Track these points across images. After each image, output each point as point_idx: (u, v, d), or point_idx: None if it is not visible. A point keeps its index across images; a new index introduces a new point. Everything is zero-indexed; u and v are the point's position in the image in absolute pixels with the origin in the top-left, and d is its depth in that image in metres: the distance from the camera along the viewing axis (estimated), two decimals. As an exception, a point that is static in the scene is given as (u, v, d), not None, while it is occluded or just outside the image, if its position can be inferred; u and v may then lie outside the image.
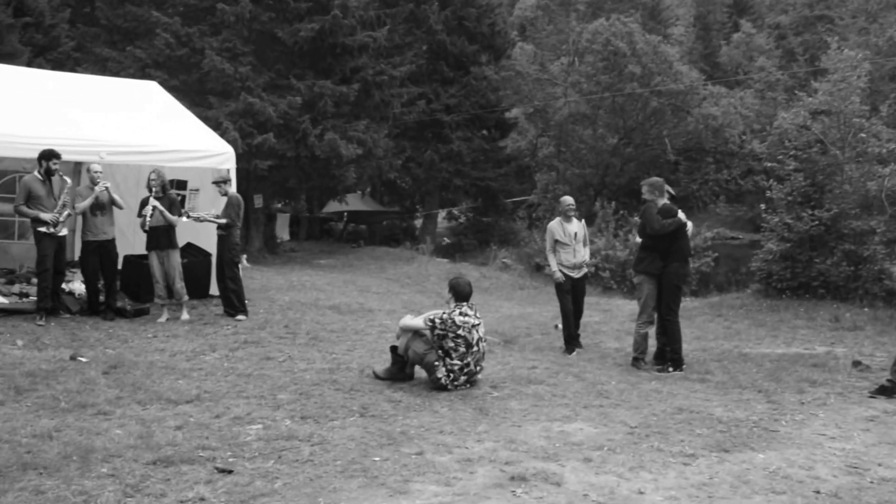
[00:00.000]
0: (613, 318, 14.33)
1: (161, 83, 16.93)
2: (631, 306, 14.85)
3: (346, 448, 5.90)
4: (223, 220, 11.80)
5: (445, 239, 41.10)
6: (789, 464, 5.80)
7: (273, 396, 7.40)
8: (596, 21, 40.44)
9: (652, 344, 9.83)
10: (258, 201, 26.43)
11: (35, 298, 10.74)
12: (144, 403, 6.95)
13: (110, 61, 23.44)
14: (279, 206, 34.10)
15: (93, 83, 14.27)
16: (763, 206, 16.35)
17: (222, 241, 11.90)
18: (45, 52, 23.74)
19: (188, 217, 11.83)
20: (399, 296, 17.47)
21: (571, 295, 10.87)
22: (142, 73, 21.04)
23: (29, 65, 19.07)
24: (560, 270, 10.78)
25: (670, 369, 9.31)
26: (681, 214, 9.40)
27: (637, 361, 9.64)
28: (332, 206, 40.90)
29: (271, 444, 5.95)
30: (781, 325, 12.97)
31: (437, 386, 7.91)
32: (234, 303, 11.85)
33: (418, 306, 14.83)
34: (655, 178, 10.07)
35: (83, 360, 8.47)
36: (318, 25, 23.64)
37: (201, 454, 5.62)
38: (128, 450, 5.61)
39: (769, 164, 16.66)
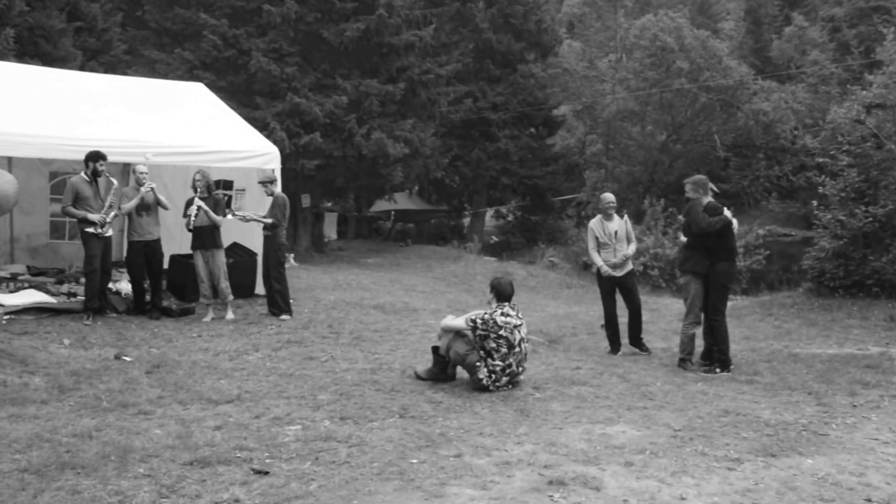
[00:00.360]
0: (661, 318, 14.14)
1: (209, 84, 17.06)
2: (679, 305, 14.62)
3: (383, 450, 5.86)
4: (269, 220, 11.83)
5: (493, 237, 41.03)
6: (839, 470, 5.62)
7: (313, 397, 7.39)
8: (644, 17, 40.07)
9: (699, 344, 9.65)
10: (306, 201, 26.52)
11: (83, 298, 10.86)
12: (185, 403, 6.97)
13: (159, 63, 23.69)
14: (328, 205, 34.24)
15: (140, 85, 14.41)
16: (815, 203, 16.00)
17: (268, 241, 11.93)
18: (97, 55, 24.08)
19: (234, 215, 11.89)
20: (445, 295, 17.43)
21: (621, 294, 10.64)
22: (190, 75, 21.24)
23: (81, 68, 19.31)
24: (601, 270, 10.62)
25: (717, 370, 9.14)
26: (726, 212, 9.21)
27: (683, 362, 9.47)
28: (381, 205, 40.97)
29: (309, 444, 5.93)
30: (834, 324, 12.68)
31: (478, 387, 7.84)
32: (278, 303, 11.88)
33: (464, 305, 14.78)
34: (699, 176, 9.86)
35: (127, 359, 8.54)
36: (364, 25, 23.64)
37: (238, 455, 5.61)
38: (166, 450, 5.62)
39: (822, 160, 16.31)
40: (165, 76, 20.49)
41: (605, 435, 6.41)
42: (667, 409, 7.32)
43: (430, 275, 22.35)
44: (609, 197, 10.78)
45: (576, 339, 11.86)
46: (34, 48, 19.23)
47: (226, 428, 6.27)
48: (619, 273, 10.56)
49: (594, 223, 10.70)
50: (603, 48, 44.71)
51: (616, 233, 10.53)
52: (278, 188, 12.20)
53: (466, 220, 42.53)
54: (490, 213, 43.13)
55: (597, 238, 10.57)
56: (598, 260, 10.58)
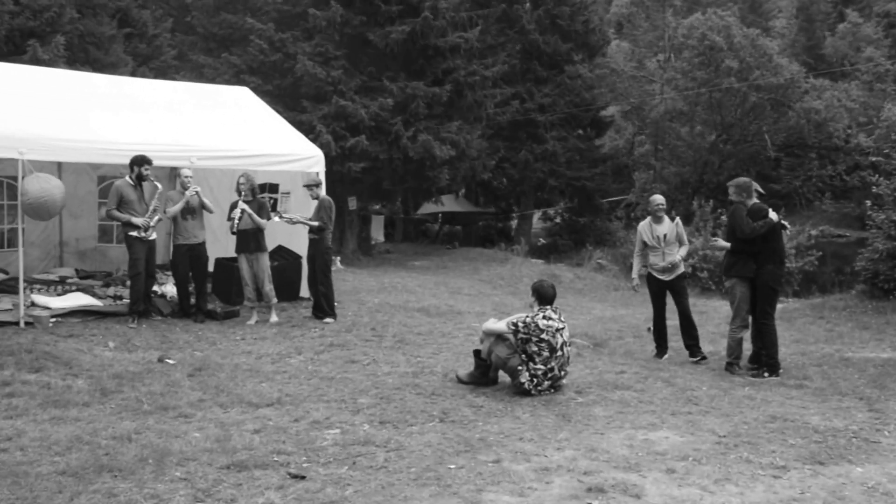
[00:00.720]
0: (709, 321, 13.91)
1: (255, 88, 17.17)
2: (727, 308, 14.38)
3: (421, 455, 5.81)
4: (315, 223, 11.84)
5: (541, 239, 40.84)
6: (890, 479, 5.45)
7: (354, 400, 7.36)
8: (692, 16, 39.65)
9: (747, 348, 9.47)
10: (352, 203, 26.58)
11: (128, 301, 10.96)
12: (226, 406, 6.99)
13: (206, 68, 23.94)
14: (375, 208, 34.34)
15: (186, 89, 14.53)
16: (869, 203, 15.66)
17: (315, 244, 11.94)
18: (148, 61, 24.45)
19: (281, 218, 11.92)
20: (490, 297, 17.34)
21: (672, 299, 10.36)
22: (237, 79, 21.41)
23: (132, 74, 19.60)
24: (650, 272, 10.37)
25: (765, 374, 8.96)
26: (772, 214, 9.01)
27: (731, 366, 9.30)
28: (428, 208, 40.96)
29: (347, 449, 5.90)
30: (888, 327, 12.39)
31: (520, 391, 7.76)
32: (323, 306, 11.89)
33: (509, 308, 14.68)
34: (742, 179, 9.59)
35: (170, 362, 8.59)
36: (409, 28, 23.63)
37: (276, 459, 5.59)
38: (203, 453, 5.62)
39: (876, 159, 15.98)
40: (213, 80, 20.71)
41: (648, 441, 6.30)
42: (712, 415, 7.18)
43: (476, 277, 22.26)
44: (658, 199, 10.49)
45: (621, 342, 11.72)
46: (84, 55, 19.55)
47: (264, 431, 6.26)
48: (668, 277, 10.25)
49: (643, 226, 10.50)
50: (651, 48, 44.33)
51: (665, 236, 10.23)
52: (323, 191, 12.21)
53: (513, 223, 42.40)
54: (537, 214, 42.95)
55: (644, 242, 10.39)
56: (635, 268, 10.70)
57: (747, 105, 37.34)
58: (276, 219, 11.84)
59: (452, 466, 5.56)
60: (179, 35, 27.15)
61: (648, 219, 10.54)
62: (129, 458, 5.43)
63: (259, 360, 9.10)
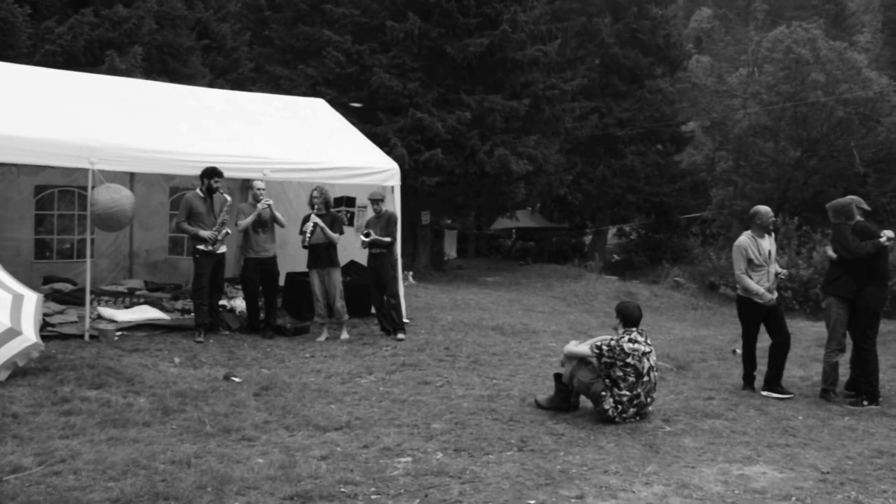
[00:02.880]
0: (797, 343, 13.11)
1: (331, 100, 16.99)
2: (816, 329, 13.68)
3: (498, 488, 5.38)
4: (387, 239, 11.53)
5: (615, 256, 40.26)
6: None
7: (427, 426, 6.96)
8: (776, 29, 38.70)
9: (843, 373, 8.82)
10: (425, 218, 26.37)
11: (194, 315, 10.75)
12: (292, 429, 6.65)
13: (283, 79, 23.92)
14: (448, 222, 34.15)
15: (260, 100, 14.37)
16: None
17: (380, 258, 11.63)
18: (225, 73, 24.53)
19: (365, 238, 11.53)
20: (566, 315, 16.85)
21: (767, 324, 9.16)
22: (313, 91, 21.29)
23: (210, 86, 19.59)
24: (748, 296, 9.04)
25: (865, 402, 8.30)
26: (885, 234, 8.37)
27: (826, 393, 8.65)
28: (502, 223, 40.71)
29: (419, 479, 5.50)
30: None
31: (603, 418, 7.27)
32: (394, 319, 11.60)
33: (585, 327, 14.20)
34: (839, 202, 8.81)
35: (237, 379, 8.30)
36: (488, 41, 23.32)
37: (343, 489, 5.22)
38: (266, 481, 5.27)
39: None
40: (289, 92, 20.59)
41: (744, 476, 5.80)
42: (811, 448, 6.63)
43: (550, 294, 21.81)
44: (769, 211, 9.11)
45: (705, 364, 11.10)
46: (163, 66, 19.60)
47: (332, 458, 5.89)
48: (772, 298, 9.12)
49: (746, 241, 8.99)
50: (733, 63, 43.43)
51: (770, 252, 9.09)
52: (392, 206, 11.89)
53: (588, 238, 41.84)
54: (612, 230, 42.36)
55: (750, 259, 8.93)
56: (754, 285, 8.88)
57: (834, 120, 36.25)
58: (363, 238, 11.49)
59: (532, 502, 5.13)
60: (257, 48, 27.21)
61: (749, 233, 9.16)
62: (186, 486, 5.09)
63: (328, 379, 8.76)
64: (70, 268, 12.62)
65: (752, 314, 9.17)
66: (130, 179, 13.08)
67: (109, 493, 4.93)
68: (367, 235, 11.50)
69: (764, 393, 8.91)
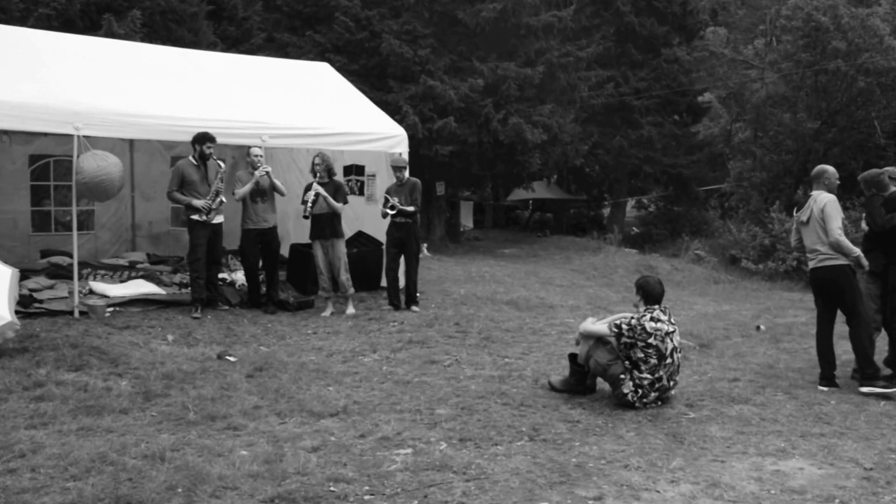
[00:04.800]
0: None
1: (340, 68, 16.38)
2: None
3: (507, 487, 4.80)
4: (411, 208, 10.93)
5: (634, 228, 39.65)
6: None
7: (430, 411, 6.38)
8: (793, -2, 37.68)
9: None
10: (440, 189, 25.79)
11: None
12: (284, 416, 6.09)
13: (291, 47, 23.28)
14: (465, 194, 33.55)
15: (262, 65, 13.73)
16: None
17: (407, 228, 10.98)
18: (238, 44, 23.85)
19: (390, 209, 10.90)
20: (584, 289, 16.20)
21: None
22: (321, 58, 20.51)
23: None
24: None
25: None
26: None
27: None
28: (519, 194, 40.20)
29: (419, 476, 4.93)
30: None
31: (622, 403, 6.68)
32: (412, 293, 11.14)
33: (605, 302, 13.57)
34: (869, 173, 8.38)
35: (231, 359, 7.75)
36: (501, 5, 22.67)
37: (332, 489, 4.65)
38: (246, 479, 4.70)
39: None
40: (298, 59, 19.99)
41: (779, 472, 5.22)
42: (849, 438, 6.02)
43: (568, 267, 21.17)
44: (836, 172, 7.90)
45: (729, 342, 10.43)
46: (167, 32, 18.91)
47: (324, 450, 5.33)
48: None
49: (836, 202, 7.68)
50: (749, 33, 42.39)
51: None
52: (407, 173, 11.29)
53: (606, 211, 41.19)
54: (631, 202, 41.67)
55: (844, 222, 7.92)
56: (850, 245, 7.55)
57: (854, 90, 35.18)
58: (390, 211, 10.86)
59: (545, 504, 4.54)
60: (264, 14, 26.52)
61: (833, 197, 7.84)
62: (155, 486, 4.52)
63: (329, 358, 8.20)
64: (69, 241, 12.10)
65: (852, 284, 7.71)
66: (130, 148, 12.54)
67: (65, 497, 4.36)
68: (391, 207, 10.86)
69: (865, 390, 7.61)
